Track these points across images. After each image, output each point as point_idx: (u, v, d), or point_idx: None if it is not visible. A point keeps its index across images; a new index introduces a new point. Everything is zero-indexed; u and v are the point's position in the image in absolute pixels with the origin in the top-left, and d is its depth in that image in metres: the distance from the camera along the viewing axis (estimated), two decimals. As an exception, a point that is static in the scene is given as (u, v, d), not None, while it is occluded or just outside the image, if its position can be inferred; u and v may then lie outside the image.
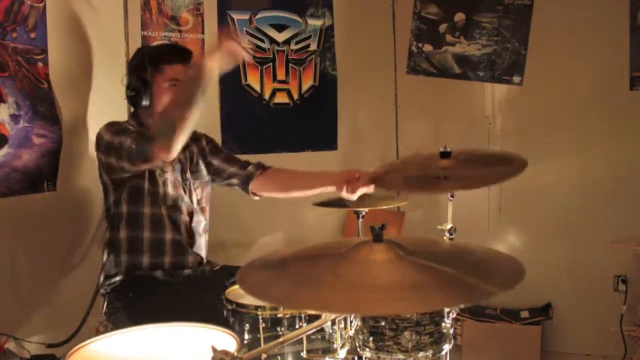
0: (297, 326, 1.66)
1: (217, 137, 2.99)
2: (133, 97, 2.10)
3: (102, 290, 2.16)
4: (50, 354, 1.98)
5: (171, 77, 2.10)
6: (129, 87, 2.12)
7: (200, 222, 2.25)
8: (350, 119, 3.39)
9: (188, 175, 2.24)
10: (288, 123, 3.21)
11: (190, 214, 2.21)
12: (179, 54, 2.15)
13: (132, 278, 2.09)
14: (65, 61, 2.36)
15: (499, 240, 3.35)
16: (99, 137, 2.07)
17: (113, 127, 2.05)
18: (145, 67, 2.09)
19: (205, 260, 2.25)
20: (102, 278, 2.16)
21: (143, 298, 2.00)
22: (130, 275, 2.10)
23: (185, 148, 2.26)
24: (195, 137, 2.31)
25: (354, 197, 2.03)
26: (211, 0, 2.93)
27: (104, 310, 2.13)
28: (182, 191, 2.18)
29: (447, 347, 1.31)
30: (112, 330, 1.55)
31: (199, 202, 2.27)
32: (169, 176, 2.15)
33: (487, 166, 1.93)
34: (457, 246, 1.42)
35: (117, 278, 2.11)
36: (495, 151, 2.10)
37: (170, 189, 2.14)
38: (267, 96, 3.15)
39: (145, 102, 2.09)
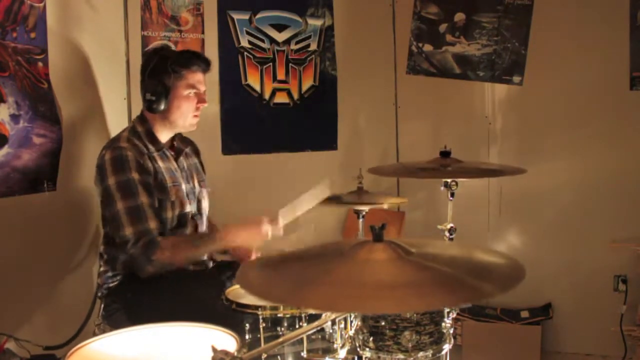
0: (297, 326, 1.67)
1: (217, 137, 2.99)
2: (151, 101, 2.08)
3: (99, 293, 2.15)
4: (50, 354, 1.98)
5: (192, 85, 2.10)
6: (148, 91, 2.08)
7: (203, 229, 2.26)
8: (350, 119, 3.38)
9: (195, 183, 2.24)
10: (288, 123, 3.20)
11: (196, 226, 2.20)
12: (202, 62, 2.15)
13: (130, 279, 2.07)
14: (65, 61, 2.36)
15: (499, 240, 3.35)
16: (100, 171, 2.02)
17: (116, 168, 1.99)
18: (168, 72, 2.07)
19: (209, 261, 2.25)
20: (99, 282, 2.16)
21: (142, 297, 1.99)
22: (128, 276, 2.08)
23: (188, 157, 2.27)
24: (196, 151, 2.35)
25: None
26: (211, 0, 2.93)
27: (100, 313, 2.12)
28: (189, 202, 2.17)
29: (447, 347, 1.31)
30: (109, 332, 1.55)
31: (204, 210, 2.27)
32: (180, 190, 2.14)
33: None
34: (456, 246, 1.42)
35: (115, 283, 2.10)
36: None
37: (178, 202, 2.11)
38: (267, 96, 3.14)
39: (163, 107, 2.08)
